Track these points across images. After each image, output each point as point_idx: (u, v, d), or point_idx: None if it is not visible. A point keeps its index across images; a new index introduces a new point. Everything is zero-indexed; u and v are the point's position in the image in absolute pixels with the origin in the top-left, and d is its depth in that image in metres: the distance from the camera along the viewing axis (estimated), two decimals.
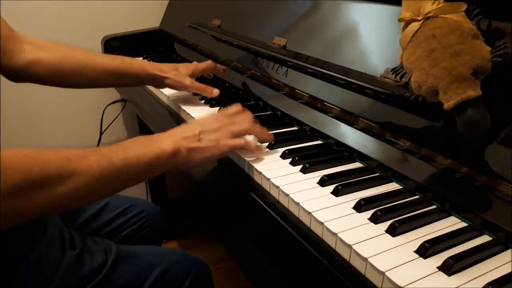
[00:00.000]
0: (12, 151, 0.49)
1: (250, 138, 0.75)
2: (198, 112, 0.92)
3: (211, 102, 0.97)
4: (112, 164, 0.56)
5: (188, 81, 0.97)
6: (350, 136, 0.73)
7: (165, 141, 0.64)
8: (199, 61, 1.25)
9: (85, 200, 0.58)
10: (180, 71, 0.98)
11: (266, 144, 0.76)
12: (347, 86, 0.76)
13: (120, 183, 0.59)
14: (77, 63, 0.90)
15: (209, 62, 1.06)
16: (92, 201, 0.59)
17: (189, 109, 0.94)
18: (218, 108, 0.94)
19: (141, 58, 1.40)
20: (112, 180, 0.57)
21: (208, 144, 0.67)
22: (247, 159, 0.71)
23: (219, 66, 1.08)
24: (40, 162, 0.51)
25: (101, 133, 1.50)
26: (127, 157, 0.58)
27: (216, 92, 0.97)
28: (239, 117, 0.73)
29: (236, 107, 0.75)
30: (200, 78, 1.21)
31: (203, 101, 0.99)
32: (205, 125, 0.69)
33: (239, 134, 0.70)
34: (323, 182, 0.63)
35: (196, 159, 0.66)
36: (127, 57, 0.96)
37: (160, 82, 0.98)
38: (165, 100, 1.07)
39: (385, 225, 0.53)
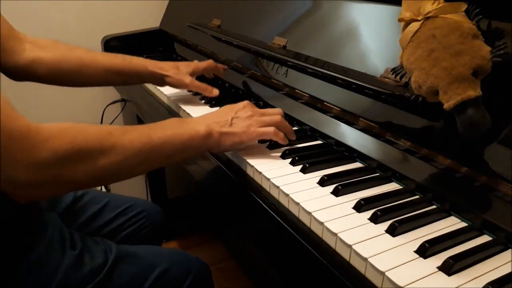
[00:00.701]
0: (55, 124, 0.52)
1: None
2: (199, 112, 0.92)
3: (211, 102, 0.98)
4: (151, 141, 0.60)
5: (188, 79, 0.97)
6: (350, 136, 0.73)
7: (198, 124, 0.67)
8: (199, 61, 1.26)
9: (124, 174, 0.61)
10: (181, 70, 0.99)
11: (266, 144, 0.76)
12: (347, 86, 0.76)
13: (156, 160, 0.63)
14: (78, 62, 0.90)
15: (210, 61, 1.06)
16: (130, 176, 0.63)
17: (189, 109, 0.94)
18: (217, 108, 0.94)
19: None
20: (150, 156, 0.60)
21: (239, 130, 0.69)
22: (248, 159, 0.71)
23: (220, 65, 1.08)
24: (84, 134, 0.54)
25: None
26: (164, 136, 0.62)
27: (216, 92, 0.98)
28: (270, 110, 0.75)
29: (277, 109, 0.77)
30: (200, 78, 1.21)
31: (203, 101, 0.99)
32: (238, 112, 0.71)
33: (269, 125, 0.72)
34: (323, 182, 0.63)
35: (226, 143, 0.69)
36: (127, 55, 0.96)
37: (161, 80, 0.98)
38: (165, 100, 1.07)
39: (385, 225, 0.53)
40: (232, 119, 0.70)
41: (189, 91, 1.06)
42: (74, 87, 0.97)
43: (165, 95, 1.06)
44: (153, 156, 0.61)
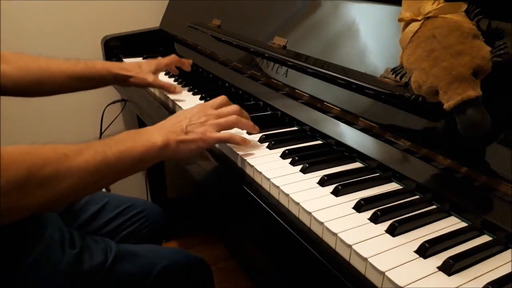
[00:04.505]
0: (14, 148, 0.51)
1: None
2: None
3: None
4: (107, 158, 0.59)
5: (151, 78, 0.99)
6: (350, 136, 0.73)
7: (154, 135, 0.66)
8: (199, 61, 1.26)
9: (82, 193, 0.61)
10: (143, 69, 1.01)
11: (266, 144, 0.76)
12: (347, 86, 0.76)
13: (113, 176, 0.62)
14: (41, 72, 0.90)
15: (172, 56, 1.08)
16: (89, 193, 0.62)
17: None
18: None
19: (141, 58, 1.40)
20: (106, 173, 0.60)
21: (195, 137, 0.68)
22: (248, 159, 0.71)
23: (184, 60, 1.11)
24: (41, 159, 0.53)
25: (101, 133, 1.50)
26: (120, 151, 0.61)
27: (179, 90, 1.00)
28: (225, 109, 0.74)
29: (221, 98, 0.75)
30: (201, 78, 1.22)
31: (203, 101, 0.99)
32: (192, 118, 0.71)
33: (226, 127, 0.72)
34: (323, 182, 0.63)
35: (183, 151, 0.68)
36: (90, 60, 0.97)
37: (125, 81, 1.00)
38: (163, 99, 1.07)
39: (385, 225, 0.53)
40: (187, 126, 0.69)
41: (189, 90, 1.06)
42: (39, 96, 0.96)
43: (165, 94, 1.06)
44: (110, 172, 0.60)
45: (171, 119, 0.71)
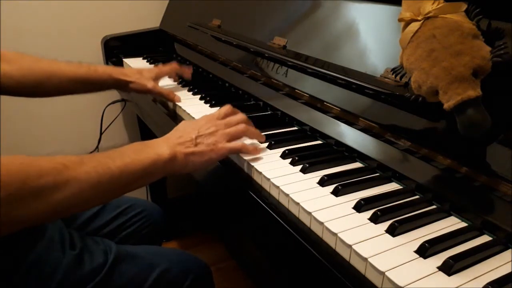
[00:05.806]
0: (8, 158, 0.49)
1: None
2: (198, 113, 0.92)
3: (211, 102, 0.98)
4: (109, 170, 0.56)
5: (151, 84, 1.00)
6: (350, 136, 0.73)
7: (161, 147, 0.63)
8: (199, 61, 1.26)
9: (82, 206, 0.58)
10: (144, 75, 1.01)
11: (266, 144, 0.76)
12: (347, 86, 0.76)
13: (117, 189, 0.59)
14: (43, 73, 0.90)
15: (173, 64, 1.10)
16: (90, 207, 0.58)
17: (189, 109, 0.94)
18: (218, 108, 0.94)
19: (141, 58, 1.40)
20: (109, 186, 0.57)
21: (206, 148, 0.66)
22: (247, 158, 0.71)
23: (185, 67, 1.11)
24: (37, 169, 0.50)
25: (101, 133, 1.50)
26: (124, 163, 0.58)
27: (177, 98, 1.00)
28: (232, 119, 0.72)
29: (227, 108, 0.74)
30: (201, 78, 1.22)
31: (203, 101, 1.00)
32: (201, 129, 0.68)
33: (236, 137, 0.70)
34: (323, 182, 0.63)
35: (194, 164, 0.66)
36: (91, 64, 0.97)
37: (125, 87, 1.01)
38: (164, 99, 1.07)
39: (385, 225, 0.53)
40: (196, 137, 0.66)
41: (189, 91, 1.06)
42: (40, 97, 0.96)
43: None
44: (113, 185, 0.57)
45: (178, 131, 0.68)
